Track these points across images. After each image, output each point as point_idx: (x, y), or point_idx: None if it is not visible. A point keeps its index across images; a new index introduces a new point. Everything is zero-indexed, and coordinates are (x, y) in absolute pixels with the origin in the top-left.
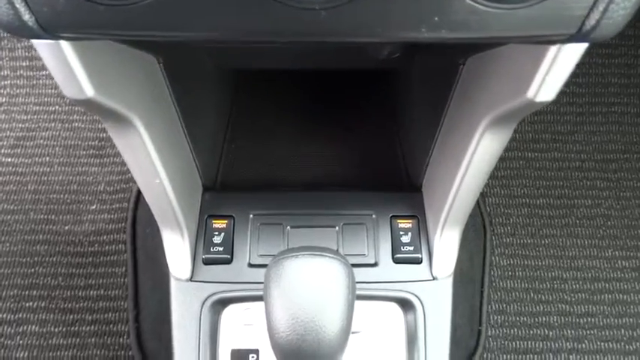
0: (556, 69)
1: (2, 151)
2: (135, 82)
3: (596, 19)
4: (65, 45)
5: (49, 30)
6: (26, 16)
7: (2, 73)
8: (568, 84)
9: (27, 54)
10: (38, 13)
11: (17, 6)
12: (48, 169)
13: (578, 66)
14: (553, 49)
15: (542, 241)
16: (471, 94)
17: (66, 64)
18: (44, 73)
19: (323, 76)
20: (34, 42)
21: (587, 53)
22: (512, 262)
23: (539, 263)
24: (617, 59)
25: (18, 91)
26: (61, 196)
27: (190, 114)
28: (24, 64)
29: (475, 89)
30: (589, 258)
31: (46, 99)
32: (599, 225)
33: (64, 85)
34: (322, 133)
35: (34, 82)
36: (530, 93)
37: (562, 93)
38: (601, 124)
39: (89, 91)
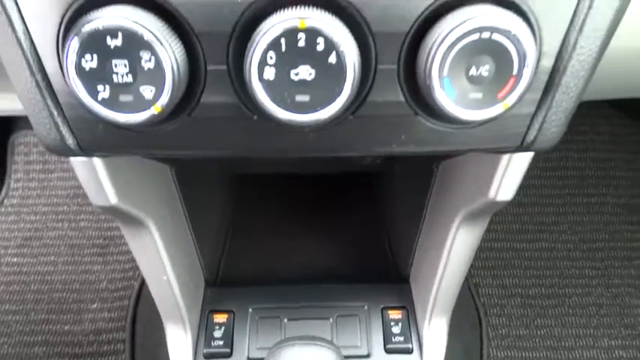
0: (510, 172)
1: (9, 251)
2: (151, 189)
3: (534, 136)
4: (97, 161)
5: (87, 150)
6: (69, 140)
7: (16, 176)
8: (548, 177)
9: (41, 158)
10: (79, 137)
11: (62, 130)
12: (52, 269)
13: (556, 160)
14: (505, 157)
15: (538, 332)
16: (445, 193)
17: (96, 177)
18: (56, 175)
19: (316, 179)
20: (71, 159)
21: (564, 148)
22: (509, 354)
23: (537, 355)
24: (592, 153)
25: (29, 192)
26: (63, 295)
27: (197, 215)
28: (37, 167)
29: (448, 189)
30: (586, 348)
31: (55, 200)
32: (592, 314)
33: (93, 195)
34: (316, 230)
35: (46, 183)
36: (492, 193)
37: (543, 186)
38: (583, 214)
39: (113, 200)
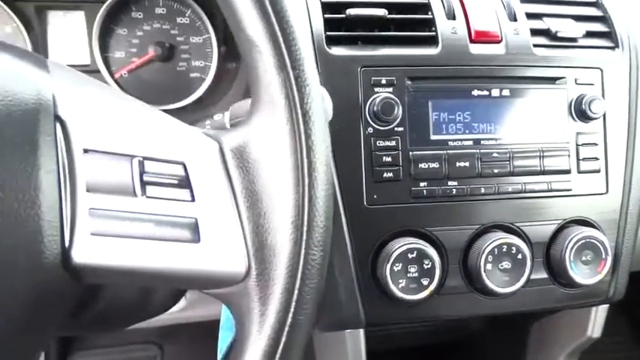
0: (599, 316)
1: None
2: None
3: (612, 292)
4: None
5: (368, 323)
6: (361, 315)
7: None
8: None
9: None
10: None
11: (359, 307)
12: None
13: None
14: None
15: None
16: (543, 344)
17: (359, 348)
18: None
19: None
20: (347, 332)
21: None
22: None
23: None
24: None
25: None
26: None
27: None
28: None
29: (545, 340)
30: None
31: None
32: None
33: None
34: None
35: None
36: (589, 333)
37: None
38: None
39: None
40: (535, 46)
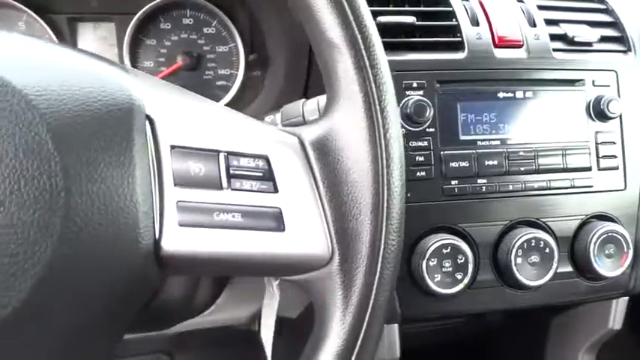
0: (619, 308)
1: None
2: None
3: (633, 284)
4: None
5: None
6: (398, 309)
7: None
8: None
9: None
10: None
11: (395, 302)
12: None
13: None
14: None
15: None
16: (563, 337)
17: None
18: None
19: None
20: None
21: None
22: None
23: None
24: None
25: None
26: None
27: None
28: None
29: (565, 334)
30: None
31: None
32: None
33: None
34: None
35: None
36: (610, 325)
37: None
38: None
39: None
40: (554, 50)
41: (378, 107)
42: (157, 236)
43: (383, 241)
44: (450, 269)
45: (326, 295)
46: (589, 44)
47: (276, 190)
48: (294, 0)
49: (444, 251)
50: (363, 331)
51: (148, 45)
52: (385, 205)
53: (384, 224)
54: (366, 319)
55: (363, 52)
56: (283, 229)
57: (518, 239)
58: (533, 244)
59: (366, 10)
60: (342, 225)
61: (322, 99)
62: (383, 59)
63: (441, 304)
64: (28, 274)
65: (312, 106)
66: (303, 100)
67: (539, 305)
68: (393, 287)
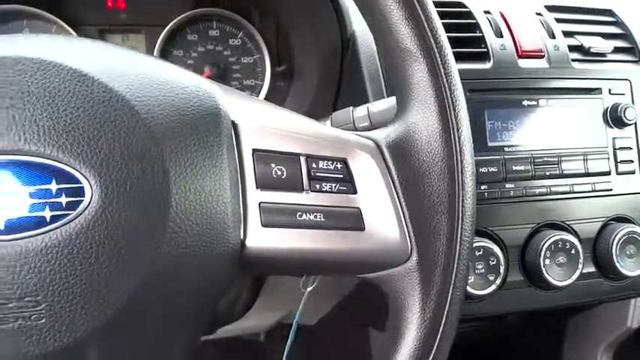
0: (638, 307)
1: None
2: None
3: None
4: None
5: None
6: None
7: None
8: None
9: None
10: None
11: None
12: None
13: None
14: (633, 300)
15: None
16: (581, 339)
17: None
18: None
19: None
20: None
21: None
22: None
23: None
24: None
25: None
26: None
27: None
28: None
29: (582, 335)
30: None
31: None
32: None
33: None
34: None
35: None
36: (628, 323)
37: None
38: None
39: None
40: (573, 60)
41: (452, 111)
42: (241, 236)
43: (459, 238)
44: (483, 271)
45: (405, 291)
46: (604, 55)
47: (355, 191)
48: (370, 12)
49: (477, 253)
50: (441, 328)
51: (175, 56)
52: (460, 203)
53: (460, 222)
54: (445, 312)
55: (439, 60)
56: (363, 228)
57: (547, 241)
58: (560, 246)
59: (438, 22)
60: (419, 223)
61: (371, 106)
62: (454, 67)
63: (473, 306)
64: (134, 273)
65: (362, 112)
66: (351, 107)
67: (564, 305)
68: (466, 285)
